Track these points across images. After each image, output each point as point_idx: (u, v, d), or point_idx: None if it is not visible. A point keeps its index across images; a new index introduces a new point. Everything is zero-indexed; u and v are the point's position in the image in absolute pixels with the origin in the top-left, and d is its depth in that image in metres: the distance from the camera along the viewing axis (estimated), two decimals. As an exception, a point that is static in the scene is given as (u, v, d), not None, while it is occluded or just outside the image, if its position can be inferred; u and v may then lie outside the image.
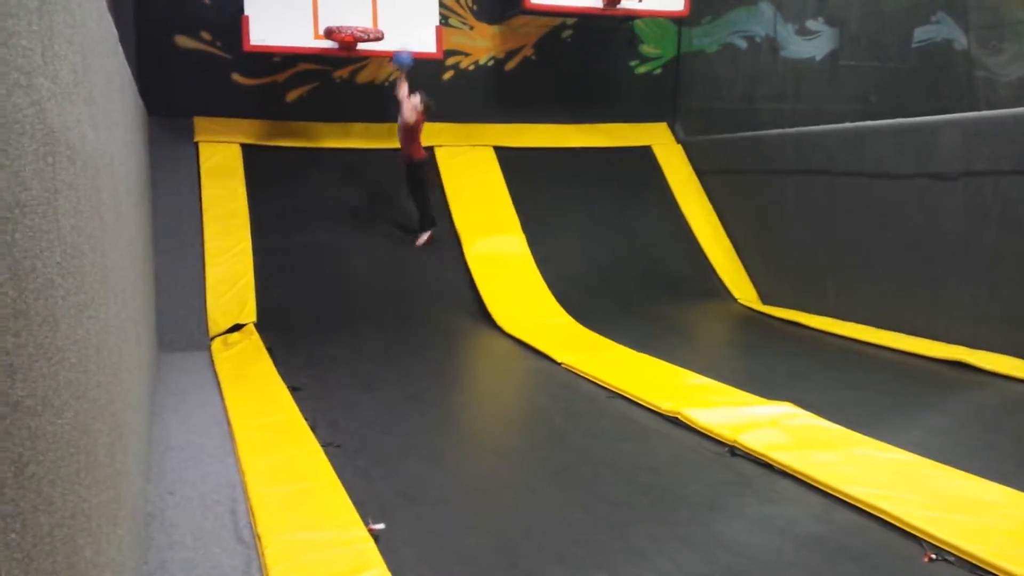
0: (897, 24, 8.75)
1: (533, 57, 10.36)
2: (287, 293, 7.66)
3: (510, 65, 10.28)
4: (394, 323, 7.56)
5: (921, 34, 8.53)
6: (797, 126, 8.62)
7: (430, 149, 9.11)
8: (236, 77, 9.14)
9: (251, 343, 6.72)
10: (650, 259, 9.24)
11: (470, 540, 3.45)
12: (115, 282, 2.70)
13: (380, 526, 3.42)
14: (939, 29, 8.39)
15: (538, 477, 4.21)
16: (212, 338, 6.95)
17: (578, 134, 10.23)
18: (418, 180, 8.45)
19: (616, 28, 10.41)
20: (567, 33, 10.44)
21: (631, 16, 9.96)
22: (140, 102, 6.40)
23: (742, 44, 10.22)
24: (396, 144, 8.61)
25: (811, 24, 9.51)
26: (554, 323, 7.68)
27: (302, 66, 9.30)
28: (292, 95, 9.38)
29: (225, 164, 8.47)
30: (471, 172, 9.35)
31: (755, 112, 9.80)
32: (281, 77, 9.31)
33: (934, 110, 7.04)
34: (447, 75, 9.93)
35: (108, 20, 3.36)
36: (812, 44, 9.51)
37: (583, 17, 9.93)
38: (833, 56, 9.34)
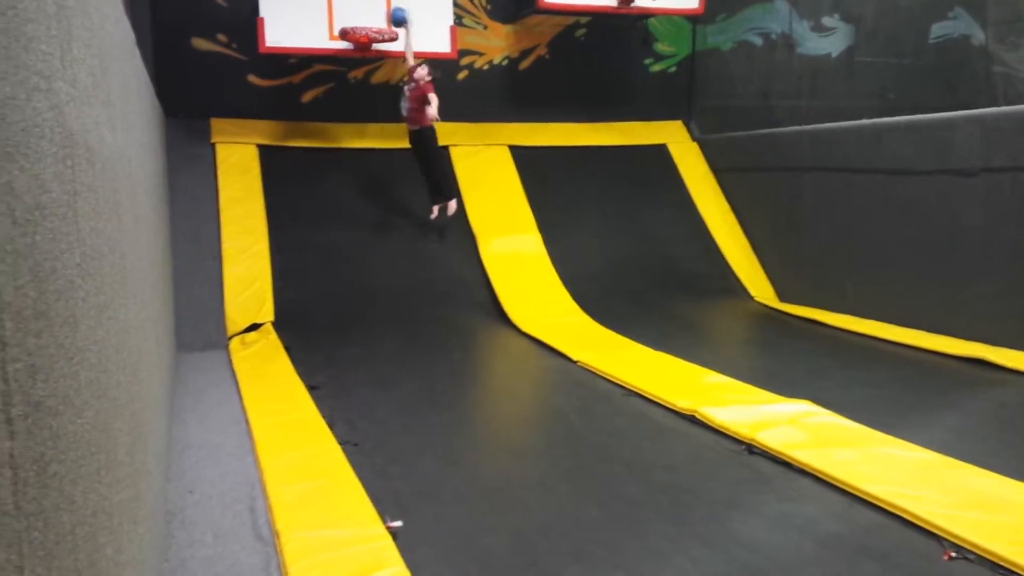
0: (914, 20, 8.70)
1: (547, 56, 10.35)
2: (304, 292, 7.70)
3: (524, 64, 10.28)
4: (410, 322, 7.58)
5: (938, 30, 8.48)
6: (813, 123, 8.56)
7: (445, 148, 9.13)
8: (252, 78, 9.19)
9: (269, 342, 6.76)
10: (666, 257, 9.21)
11: (487, 539, 3.46)
12: (134, 283, 2.72)
13: (398, 524, 3.43)
14: (956, 25, 8.34)
15: (555, 476, 4.20)
16: (230, 337, 6.99)
17: (593, 133, 10.21)
18: (434, 147, 8.34)
19: (630, 26, 10.39)
20: (581, 32, 10.42)
21: (645, 14, 9.94)
22: (157, 104, 6.44)
23: (757, 41, 10.19)
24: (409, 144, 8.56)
25: (827, 20, 9.47)
26: (570, 321, 7.68)
27: (317, 67, 9.33)
28: (307, 96, 9.42)
29: (242, 165, 8.52)
30: (486, 171, 9.36)
31: (771, 109, 9.76)
32: (297, 78, 9.36)
33: (952, 106, 6.98)
34: (461, 75, 9.95)
35: (125, 23, 3.39)
36: (828, 41, 9.47)
37: (597, 16, 9.91)
38: (849, 52, 9.30)
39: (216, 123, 8.82)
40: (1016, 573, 3.03)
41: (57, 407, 1.28)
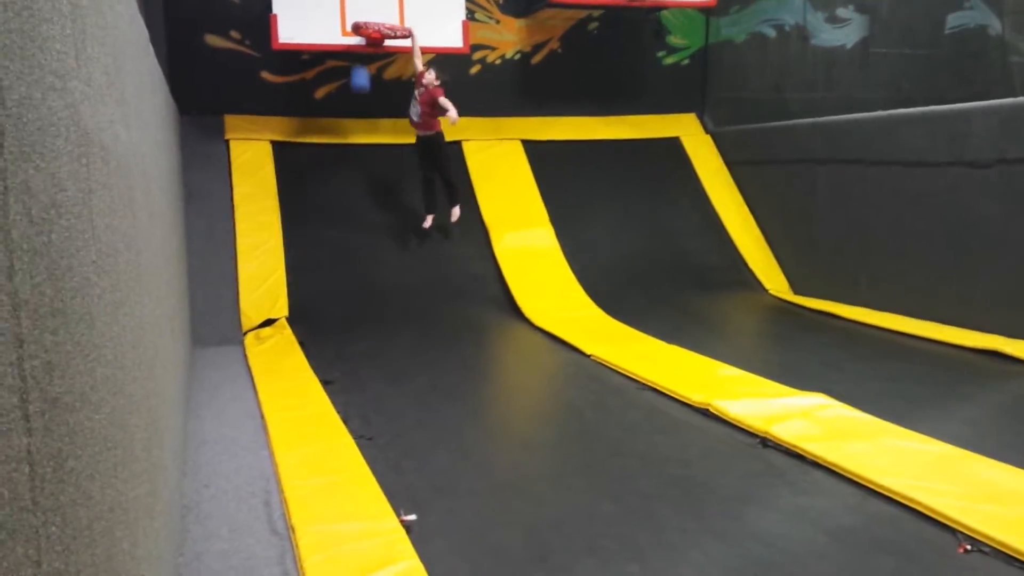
0: (929, 10, 8.62)
1: (559, 50, 10.34)
2: (318, 288, 7.73)
3: (537, 58, 10.27)
4: (424, 317, 7.60)
5: (954, 20, 8.39)
6: (828, 115, 8.51)
7: (457, 143, 9.14)
8: (265, 75, 9.23)
9: (283, 338, 6.79)
10: (679, 250, 9.19)
11: (501, 532, 3.47)
12: (149, 279, 2.74)
13: (412, 517, 3.45)
14: (973, 15, 8.25)
15: (568, 470, 4.21)
16: (245, 333, 7.03)
17: (606, 126, 10.19)
18: (445, 154, 8.33)
19: (643, 19, 10.35)
20: (593, 25, 10.40)
21: (658, 7, 9.90)
22: (171, 101, 6.48)
23: (771, 33, 10.13)
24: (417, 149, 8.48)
25: (841, 11, 9.40)
26: (583, 315, 7.68)
27: (330, 63, 9.35)
28: (320, 92, 9.45)
29: (256, 161, 8.55)
30: (499, 166, 9.36)
31: (785, 101, 9.70)
32: (310, 74, 9.38)
33: (968, 97, 6.92)
34: (474, 69, 9.95)
35: (139, 21, 3.41)
36: (842, 32, 9.39)
37: (609, 9, 9.88)
38: (864, 44, 9.22)
39: (230, 120, 8.86)
40: (1032, 566, 3.01)
41: (74, 403, 1.29)
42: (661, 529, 3.47)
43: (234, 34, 9.07)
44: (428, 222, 8.45)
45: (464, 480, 4.06)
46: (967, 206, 6.72)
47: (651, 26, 10.50)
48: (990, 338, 6.26)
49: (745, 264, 9.08)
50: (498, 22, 10.04)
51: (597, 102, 10.33)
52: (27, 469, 1.03)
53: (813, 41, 9.61)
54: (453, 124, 7.78)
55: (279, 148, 8.78)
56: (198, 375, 5.91)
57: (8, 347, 1.01)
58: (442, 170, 8.36)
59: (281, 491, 3.78)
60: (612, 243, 9.07)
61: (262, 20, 8.40)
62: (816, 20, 9.61)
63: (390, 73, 9.64)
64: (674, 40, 10.74)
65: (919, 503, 3.52)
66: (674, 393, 5.25)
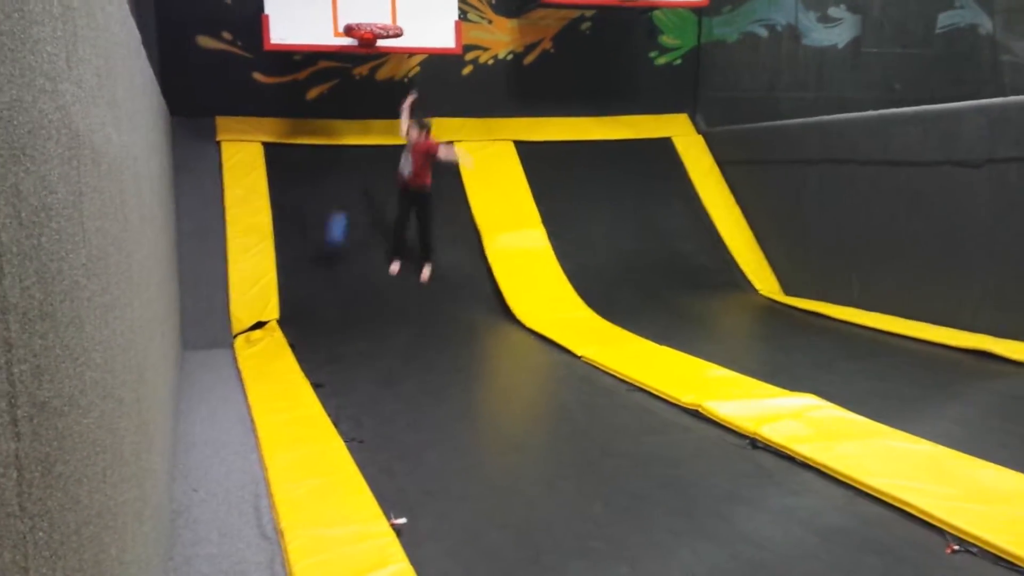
0: (920, 9, 8.66)
1: (552, 50, 10.34)
2: (309, 290, 7.72)
3: (529, 59, 10.28)
4: (415, 319, 7.60)
5: (945, 19, 8.43)
6: (819, 115, 8.54)
7: (449, 144, 9.14)
8: (257, 76, 9.21)
9: (274, 340, 6.78)
10: (671, 251, 9.21)
11: (492, 535, 3.47)
12: (140, 282, 2.73)
13: (402, 520, 3.45)
14: (963, 14, 8.29)
15: (559, 471, 4.22)
16: (235, 335, 7.01)
17: (598, 127, 10.20)
18: (431, 212, 8.25)
19: (635, 19, 10.37)
20: (586, 25, 10.41)
21: (650, 7, 9.92)
22: (163, 102, 6.46)
23: (763, 33, 10.15)
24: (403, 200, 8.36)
25: (833, 11, 9.43)
26: (574, 317, 7.69)
27: (322, 64, 9.34)
28: (312, 93, 9.43)
29: (247, 162, 8.53)
30: (491, 166, 9.35)
31: (776, 101, 9.73)
32: (301, 75, 9.37)
33: (959, 96, 6.95)
34: (466, 70, 9.94)
35: (131, 23, 3.40)
36: (834, 32, 9.43)
37: (601, 9, 9.90)
38: (856, 43, 9.26)
39: (221, 121, 8.83)
40: (1018, 566, 3.03)
41: (62, 408, 1.29)
42: (651, 530, 3.48)
43: (226, 35, 9.05)
44: (395, 267, 8.27)
45: (455, 482, 4.06)
46: (958, 205, 6.74)
47: (644, 26, 10.52)
48: (980, 338, 6.29)
49: (736, 265, 9.10)
50: (490, 22, 10.04)
51: (589, 102, 10.34)
52: (15, 474, 1.03)
53: (805, 41, 9.64)
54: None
55: (271, 149, 8.76)
56: (188, 377, 5.89)
57: (-4, 352, 1.00)
58: (424, 227, 8.27)
59: (271, 495, 3.77)
60: (604, 244, 9.07)
61: (254, 21, 8.37)
62: (808, 20, 9.64)
63: (383, 73, 9.63)
64: (666, 40, 10.76)
65: (908, 503, 3.53)
66: (664, 394, 5.25)
